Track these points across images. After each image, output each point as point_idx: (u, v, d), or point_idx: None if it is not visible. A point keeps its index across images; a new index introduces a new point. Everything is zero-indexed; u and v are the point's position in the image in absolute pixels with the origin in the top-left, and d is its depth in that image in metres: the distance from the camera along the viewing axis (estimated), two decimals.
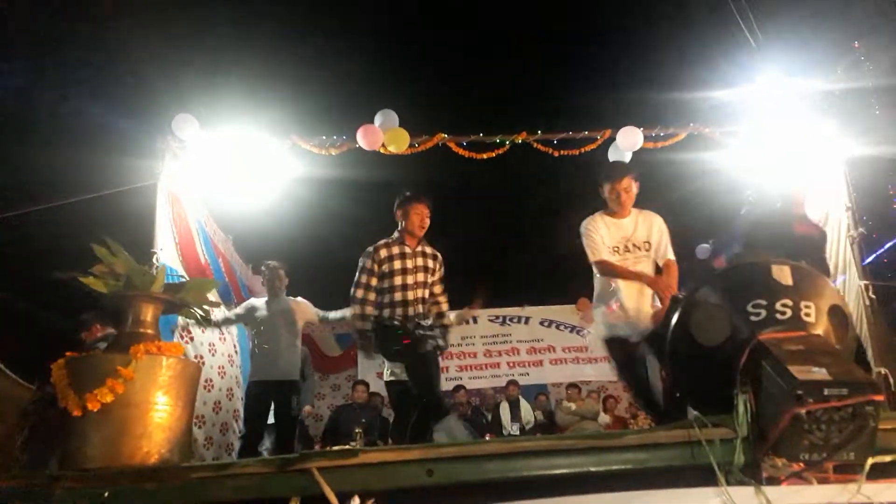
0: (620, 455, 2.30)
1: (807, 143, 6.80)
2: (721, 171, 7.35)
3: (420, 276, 4.30)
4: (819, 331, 2.41)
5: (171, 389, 2.81)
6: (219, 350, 6.24)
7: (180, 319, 5.67)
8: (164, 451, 2.73)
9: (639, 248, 4.14)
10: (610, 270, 4.08)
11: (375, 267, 4.27)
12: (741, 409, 2.29)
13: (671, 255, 4.16)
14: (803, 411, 2.08)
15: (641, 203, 4.33)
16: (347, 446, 3.94)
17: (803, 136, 6.80)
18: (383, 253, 4.30)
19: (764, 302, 2.45)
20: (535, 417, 8.38)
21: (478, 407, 8.53)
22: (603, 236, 4.17)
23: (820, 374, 2.11)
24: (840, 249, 6.19)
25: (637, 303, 4.03)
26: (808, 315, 2.43)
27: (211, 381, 6.06)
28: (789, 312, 2.42)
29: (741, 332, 2.43)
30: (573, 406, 8.07)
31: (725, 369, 2.37)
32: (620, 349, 4.09)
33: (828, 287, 2.62)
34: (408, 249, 4.33)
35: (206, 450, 5.54)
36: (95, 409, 2.62)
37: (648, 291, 4.06)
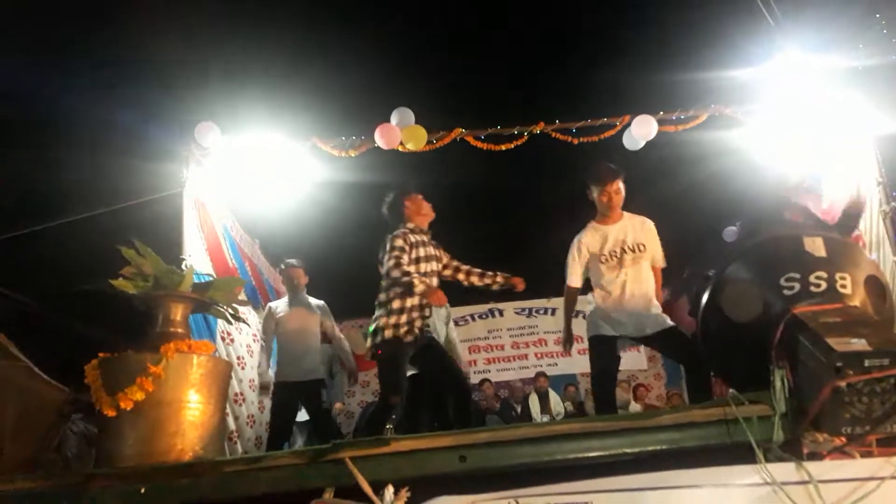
0: (655, 435, 2.26)
1: (832, 120, 6.67)
2: (744, 151, 7.24)
3: (434, 265, 4.25)
4: (856, 302, 2.35)
5: (203, 387, 2.84)
6: (255, 351, 6.33)
7: (221, 323, 5.77)
8: (198, 448, 2.76)
9: (634, 251, 4.15)
10: (567, 301, 4.46)
11: (408, 248, 4.13)
12: (778, 384, 2.23)
13: (663, 263, 4.28)
14: (843, 384, 2.02)
15: (662, 188, 4.32)
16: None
17: (828, 112, 6.68)
18: (412, 238, 4.20)
19: (797, 275, 2.39)
20: (566, 408, 8.34)
21: (507, 399, 8.50)
22: (593, 250, 4.26)
23: (859, 344, 2.05)
24: (873, 225, 6.05)
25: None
26: (843, 287, 2.37)
27: (252, 381, 6.14)
28: (824, 285, 2.36)
29: (774, 306, 2.38)
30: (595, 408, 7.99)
31: (760, 346, 2.33)
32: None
33: (863, 257, 2.56)
34: (425, 238, 4.31)
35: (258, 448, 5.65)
36: (128, 408, 2.65)
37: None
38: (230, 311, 3.20)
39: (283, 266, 5.76)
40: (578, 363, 9.74)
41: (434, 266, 4.21)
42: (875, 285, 2.42)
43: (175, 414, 2.75)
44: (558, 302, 10.15)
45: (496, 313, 10.22)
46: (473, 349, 9.94)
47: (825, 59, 7.08)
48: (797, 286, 2.38)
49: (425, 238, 4.28)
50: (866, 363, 2.03)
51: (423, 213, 4.31)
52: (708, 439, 2.25)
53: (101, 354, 2.84)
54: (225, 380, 3.01)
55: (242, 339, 6.32)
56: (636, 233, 4.17)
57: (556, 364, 9.51)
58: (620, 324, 4.08)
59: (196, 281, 3.19)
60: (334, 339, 5.84)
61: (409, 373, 4.41)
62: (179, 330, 2.95)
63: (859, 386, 2.04)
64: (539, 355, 9.85)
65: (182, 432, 2.74)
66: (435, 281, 4.21)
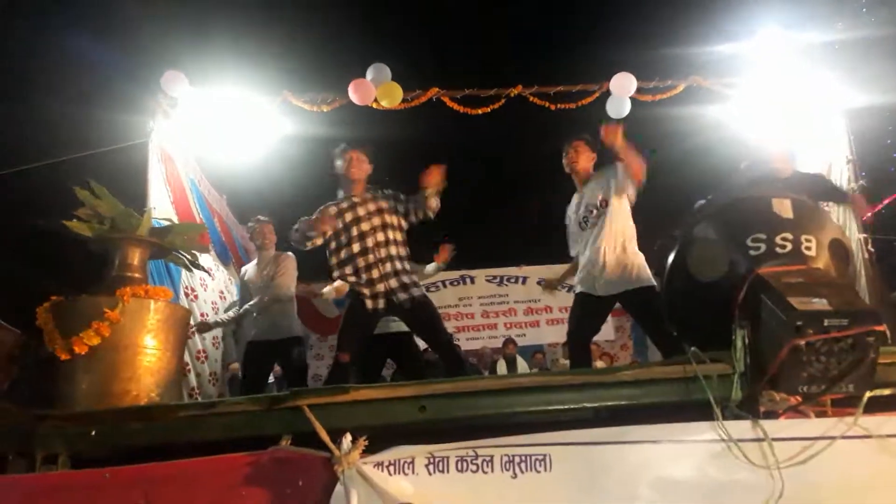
0: (615, 391, 2.26)
1: (807, 95, 6.71)
2: (721, 125, 7.26)
3: (376, 221, 3.97)
4: (820, 264, 2.36)
5: (160, 333, 2.78)
6: (220, 308, 6.25)
7: (184, 277, 5.64)
8: (153, 395, 2.71)
9: (596, 209, 4.09)
10: (567, 270, 4.54)
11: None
12: (739, 343, 2.24)
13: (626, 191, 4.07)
14: (803, 342, 2.03)
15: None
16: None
17: (803, 87, 6.71)
18: (332, 210, 3.96)
19: (763, 236, 2.39)
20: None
21: (475, 366, 8.54)
22: (572, 219, 4.27)
23: (820, 304, 2.06)
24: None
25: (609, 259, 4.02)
26: (808, 249, 2.37)
27: (217, 338, 6.05)
28: (789, 246, 2.36)
29: (740, 266, 2.38)
30: (569, 364, 8.07)
31: (724, 305, 2.33)
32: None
33: (829, 221, 2.56)
34: (356, 199, 4.04)
35: None
36: (83, 353, 2.59)
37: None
38: (189, 257, 3.11)
39: (251, 223, 5.62)
40: (547, 334, 9.86)
41: (376, 221, 3.98)
42: (839, 248, 2.43)
43: (131, 359, 2.69)
44: (529, 270, 10.23)
45: (467, 280, 10.22)
46: (444, 317, 9.94)
47: (803, 34, 7.10)
48: (763, 247, 2.38)
49: (355, 200, 4.03)
50: (826, 323, 2.03)
51: (354, 168, 4.03)
52: (668, 396, 2.26)
53: (53, 298, 2.76)
54: (183, 327, 2.95)
55: (207, 296, 6.24)
56: (595, 189, 4.12)
57: (525, 335, 9.59)
58: (592, 284, 4.06)
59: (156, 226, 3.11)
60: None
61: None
62: (136, 275, 2.87)
63: (818, 345, 2.05)
64: (508, 325, 9.91)
65: (137, 377, 2.68)
66: (379, 240, 3.96)
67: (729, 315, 2.31)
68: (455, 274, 10.20)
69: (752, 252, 2.38)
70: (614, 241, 4.01)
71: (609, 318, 9.71)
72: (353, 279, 3.94)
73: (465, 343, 9.26)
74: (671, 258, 2.58)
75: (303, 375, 5.27)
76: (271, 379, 6.00)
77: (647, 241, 4.31)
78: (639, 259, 4.04)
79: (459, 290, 10.16)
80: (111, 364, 2.65)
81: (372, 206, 4.00)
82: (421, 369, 4.97)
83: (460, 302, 10.10)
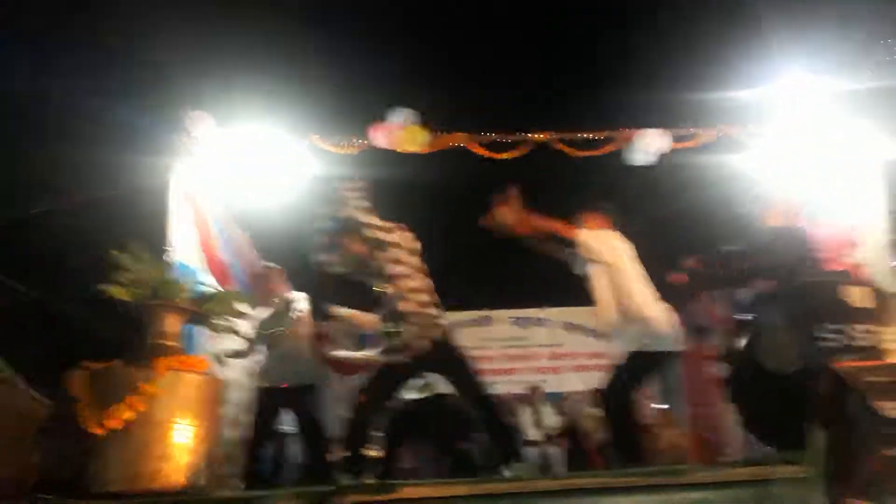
0: (685, 494, 2.11)
1: (837, 145, 6.58)
2: (747, 176, 7.14)
3: None
4: None
5: (195, 407, 2.65)
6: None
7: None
8: (187, 475, 2.57)
9: None
10: None
11: None
12: (817, 445, 2.10)
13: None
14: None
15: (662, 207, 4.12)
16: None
17: (834, 136, 6.59)
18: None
19: (838, 326, 2.26)
20: (559, 423, 8.21)
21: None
22: None
23: None
24: (879, 256, 5.97)
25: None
26: (886, 342, 2.24)
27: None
28: (866, 339, 2.23)
29: (814, 358, 2.25)
30: (597, 412, 7.86)
31: (797, 400, 2.19)
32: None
33: None
34: None
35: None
36: (116, 428, 2.47)
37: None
38: (226, 324, 3.01)
39: (262, 269, 5.48)
40: (571, 380, 9.62)
41: None
42: None
43: (163, 435, 2.57)
44: (551, 312, 10.06)
45: (487, 322, 10.07)
46: None
47: (829, 81, 6.99)
48: (839, 338, 2.25)
49: None
50: None
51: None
52: (741, 500, 2.10)
53: (85, 363, 2.65)
54: (218, 400, 2.83)
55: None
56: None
57: (546, 381, 9.35)
58: None
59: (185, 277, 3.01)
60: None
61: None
62: (173, 343, 2.76)
63: None
64: (528, 370, 9.69)
65: (170, 456, 2.55)
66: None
67: (802, 412, 2.17)
68: (475, 314, 10.04)
69: (826, 343, 2.25)
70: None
71: None
72: None
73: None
74: (739, 346, 2.45)
75: (316, 428, 5.08)
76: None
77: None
78: None
79: (480, 331, 9.99)
80: (143, 441, 2.52)
81: None
82: None
83: (480, 343, 9.93)
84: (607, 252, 3.76)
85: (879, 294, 2.37)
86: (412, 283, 3.78)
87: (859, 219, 6.38)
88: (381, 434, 4.28)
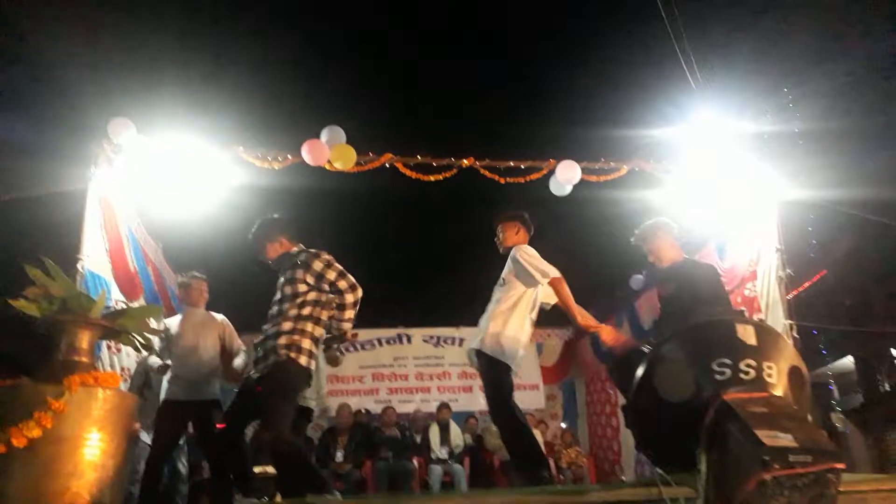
0: None
1: (740, 183, 7.06)
2: (660, 209, 7.54)
3: None
4: (780, 391, 2.46)
5: (107, 424, 2.61)
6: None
7: None
8: (95, 492, 2.52)
9: (502, 281, 4.21)
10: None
11: None
12: (704, 468, 2.29)
13: (542, 277, 4.04)
14: (769, 477, 2.10)
15: (578, 240, 4.37)
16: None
17: (737, 176, 7.07)
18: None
19: (729, 361, 2.48)
20: (465, 441, 8.33)
21: (408, 429, 8.39)
22: None
23: (786, 440, 2.14)
24: (770, 289, 6.45)
25: None
26: (770, 376, 2.47)
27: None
28: (753, 373, 2.46)
29: (705, 389, 2.46)
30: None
31: (689, 426, 2.38)
32: None
33: (788, 347, 2.69)
34: None
35: None
36: (21, 446, 2.39)
37: None
38: (140, 340, 2.96)
39: (183, 278, 5.35)
40: (480, 400, 9.77)
41: None
42: (798, 376, 2.54)
43: (72, 452, 2.51)
44: (467, 332, 10.18)
45: (404, 339, 10.11)
46: (377, 376, 9.78)
47: (736, 123, 7.53)
48: (728, 372, 2.47)
49: None
50: (791, 458, 2.11)
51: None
52: None
53: None
54: (130, 416, 2.77)
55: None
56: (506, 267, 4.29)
57: (458, 400, 9.46)
58: None
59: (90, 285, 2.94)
60: (233, 353, 5.36)
61: None
62: (84, 359, 2.70)
63: (782, 479, 2.12)
64: (442, 389, 9.78)
65: (79, 473, 2.49)
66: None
67: (694, 437, 2.37)
68: (392, 332, 10.07)
69: (717, 376, 2.46)
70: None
71: (540, 385, 9.87)
72: None
73: (399, 405, 9.08)
74: (639, 374, 2.64)
75: (228, 446, 4.97)
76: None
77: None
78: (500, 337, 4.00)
79: (395, 349, 10.02)
80: (50, 458, 2.46)
81: None
82: None
83: (395, 362, 9.96)
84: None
85: (766, 331, 2.61)
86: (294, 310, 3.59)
87: (756, 254, 6.90)
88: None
